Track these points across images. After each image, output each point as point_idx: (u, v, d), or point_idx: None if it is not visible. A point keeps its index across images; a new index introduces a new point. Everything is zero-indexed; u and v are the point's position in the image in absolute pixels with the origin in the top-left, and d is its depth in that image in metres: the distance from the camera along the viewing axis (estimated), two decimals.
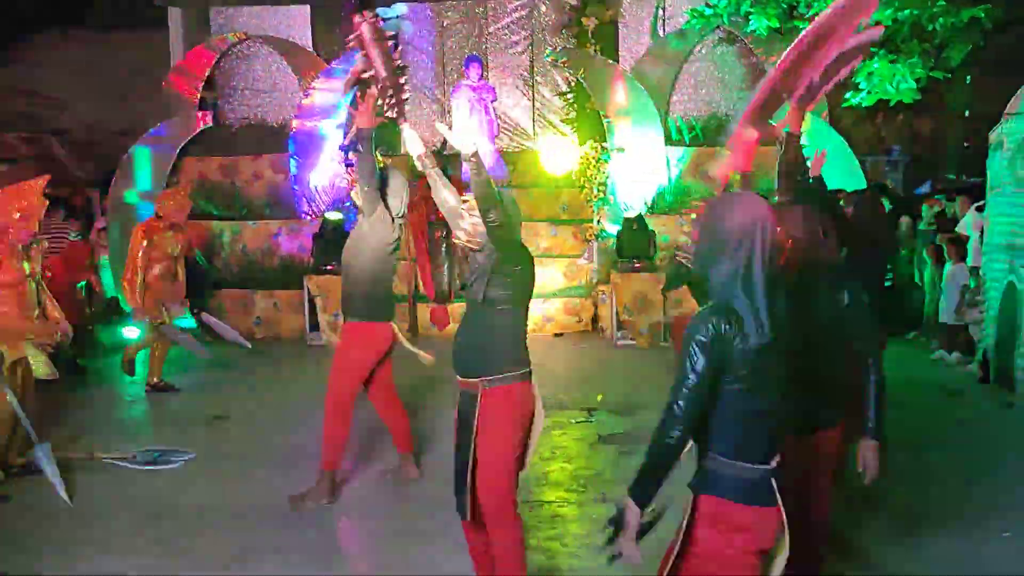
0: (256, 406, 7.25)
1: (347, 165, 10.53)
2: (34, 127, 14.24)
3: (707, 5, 10.37)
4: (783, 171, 4.70)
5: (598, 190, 10.80)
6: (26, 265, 5.41)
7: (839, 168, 9.70)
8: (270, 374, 8.65)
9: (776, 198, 4.44)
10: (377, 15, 3.67)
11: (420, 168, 3.97)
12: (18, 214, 5.27)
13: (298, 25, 12.28)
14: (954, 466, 5.67)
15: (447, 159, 9.61)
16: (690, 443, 2.59)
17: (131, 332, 10.00)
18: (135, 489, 5.43)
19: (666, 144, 10.90)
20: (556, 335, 10.40)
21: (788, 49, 4.11)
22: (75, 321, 8.30)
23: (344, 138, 10.62)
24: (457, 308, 9.85)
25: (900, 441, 5.50)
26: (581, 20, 12.20)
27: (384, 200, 4.95)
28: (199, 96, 11.80)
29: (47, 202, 5.55)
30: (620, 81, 10.98)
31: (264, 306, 10.65)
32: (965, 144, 14.33)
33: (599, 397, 7.22)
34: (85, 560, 4.42)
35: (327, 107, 11.12)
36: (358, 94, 4.73)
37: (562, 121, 12.36)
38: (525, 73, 12.62)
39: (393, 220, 4.99)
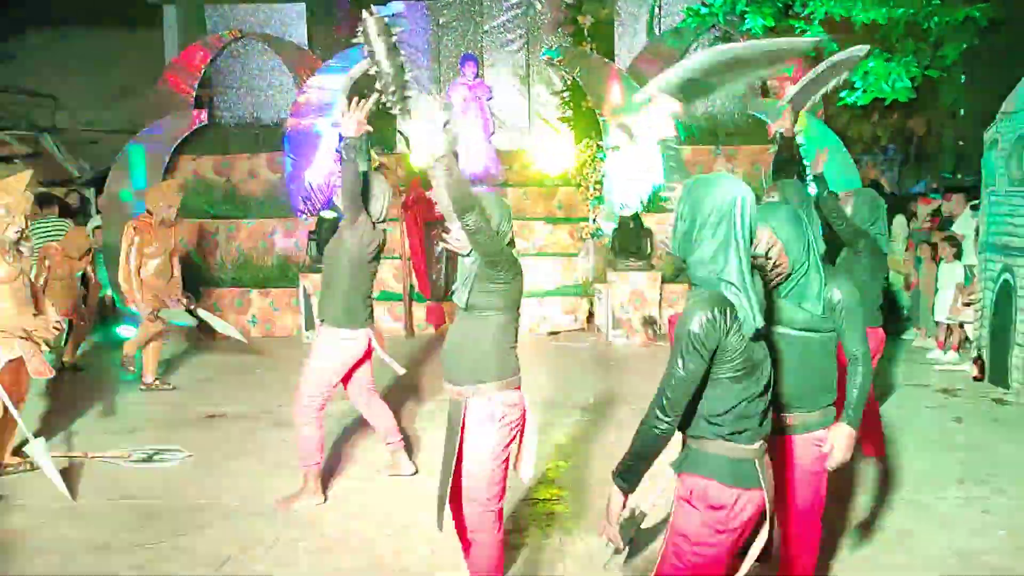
0: (251, 405, 7.24)
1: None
2: (29, 125, 14.20)
3: (703, 4, 10.38)
4: (776, 170, 4.72)
5: (594, 188, 10.80)
6: (18, 261, 5.39)
7: (834, 167, 9.70)
8: (265, 372, 8.64)
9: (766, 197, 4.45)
10: (374, 12, 3.64)
11: (434, 166, 3.85)
12: (3, 210, 5.25)
13: (293, 23, 12.28)
14: (948, 464, 5.67)
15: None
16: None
17: (126, 331, 10.01)
18: (130, 487, 5.42)
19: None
20: (552, 333, 10.40)
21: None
22: (71, 316, 8.32)
23: (339, 139, 10.61)
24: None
25: (894, 439, 5.52)
26: (577, 18, 12.20)
27: (366, 206, 4.92)
28: (194, 94, 11.79)
29: (31, 197, 5.50)
30: (616, 79, 10.98)
31: (259, 304, 10.65)
32: (960, 143, 14.35)
33: (591, 400, 7.21)
34: (79, 559, 4.41)
35: (323, 105, 11.10)
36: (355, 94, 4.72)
37: (558, 119, 12.36)
38: (521, 71, 12.62)
39: (375, 226, 4.96)
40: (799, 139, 4.94)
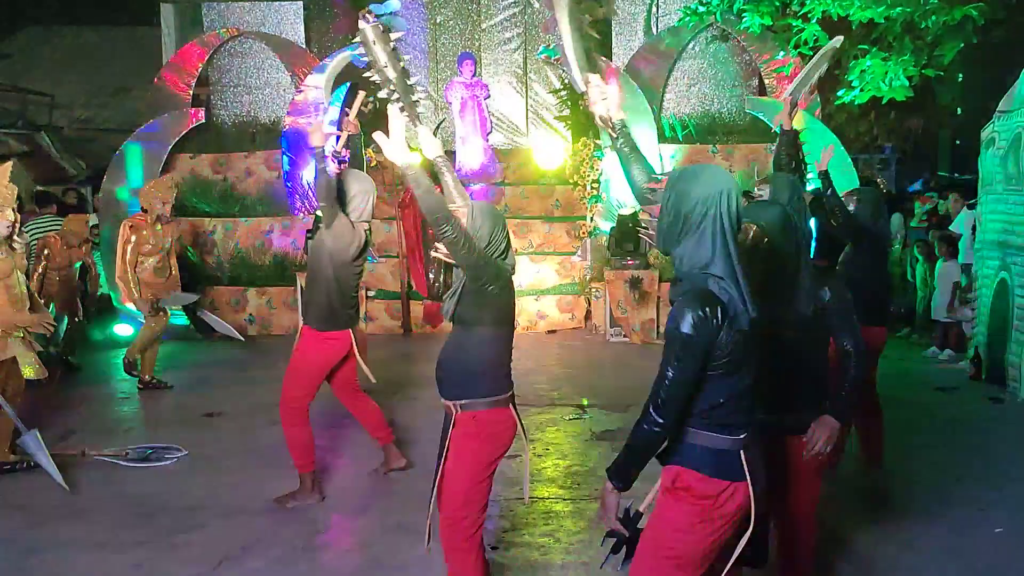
0: (248, 403, 7.23)
1: (339, 163, 10.49)
2: (26, 123, 14.18)
3: (700, 3, 10.36)
4: (776, 165, 4.71)
5: (591, 187, 10.80)
6: (11, 256, 5.36)
7: (832, 166, 9.70)
8: (262, 371, 8.61)
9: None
10: (370, 10, 3.59)
11: (435, 169, 3.74)
12: None
13: (290, 21, 12.25)
14: (946, 463, 5.68)
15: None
16: None
17: (123, 329, 10.00)
18: (127, 486, 5.41)
19: (659, 141, 10.90)
20: (549, 332, 10.41)
21: None
22: (69, 310, 8.28)
23: (336, 141, 10.58)
24: None
25: (892, 438, 5.53)
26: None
27: (342, 208, 4.89)
28: (191, 93, 11.77)
29: (16, 189, 5.43)
30: (613, 78, 10.96)
31: (257, 303, 10.65)
32: (957, 142, 14.38)
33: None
34: (78, 557, 4.41)
35: (320, 103, 11.09)
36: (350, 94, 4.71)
37: (555, 118, 12.36)
38: (518, 70, 12.61)
39: (355, 227, 4.90)
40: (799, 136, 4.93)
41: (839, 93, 9.80)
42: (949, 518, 4.79)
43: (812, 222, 4.52)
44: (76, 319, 8.51)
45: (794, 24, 9.44)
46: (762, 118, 10.86)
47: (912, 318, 9.96)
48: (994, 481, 5.32)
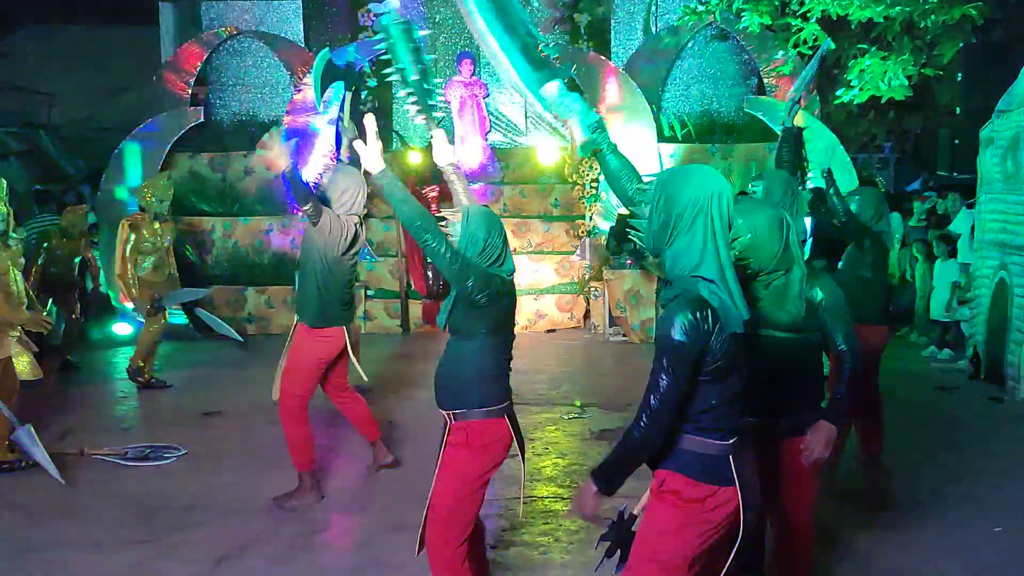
0: (247, 402, 7.22)
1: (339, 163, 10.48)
2: (24, 122, 14.17)
3: (699, 2, 10.35)
4: (778, 163, 4.71)
5: (590, 187, 10.79)
6: (6, 252, 5.35)
7: (832, 165, 9.71)
8: (261, 370, 8.56)
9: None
10: (370, 9, 3.57)
11: (444, 177, 3.72)
12: None
13: (289, 20, 12.22)
14: (945, 462, 5.68)
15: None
16: None
17: (122, 328, 9.98)
18: (126, 485, 5.41)
19: (658, 140, 10.88)
20: (548, 331, 10.40)
21: None
22: (67, 307, 8.25)
23: (337, 144, 10.58)
24: None
25: (892, 437, 5.52)
26: (573, 16, 12.17)
27: (328, 205, 4.86)
28: (190, 92, 11.75)
29: (5, 184, 5.41)
30: (612, 77, 10.97)
31: (256, 302, 10.64)
32: (956, 141, 14.36)
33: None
34: (76, 556, 4.40)
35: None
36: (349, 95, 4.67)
37: (555, 118, 12.33)
38: None
39: (342, 220, 4.86)
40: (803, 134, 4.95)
41: (838, 92, 9.80)
42: (949, 517, 4.79)
43: (807, 220, 4.53)
44: (73, 316, 8.48)
45: (793, 23, 9.42)
46: (761, 117, 10.86)
47: (911, 318, 9.96)
48: (994, 481, 5.32)
